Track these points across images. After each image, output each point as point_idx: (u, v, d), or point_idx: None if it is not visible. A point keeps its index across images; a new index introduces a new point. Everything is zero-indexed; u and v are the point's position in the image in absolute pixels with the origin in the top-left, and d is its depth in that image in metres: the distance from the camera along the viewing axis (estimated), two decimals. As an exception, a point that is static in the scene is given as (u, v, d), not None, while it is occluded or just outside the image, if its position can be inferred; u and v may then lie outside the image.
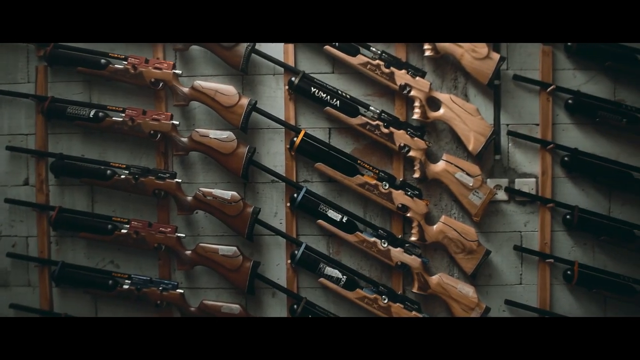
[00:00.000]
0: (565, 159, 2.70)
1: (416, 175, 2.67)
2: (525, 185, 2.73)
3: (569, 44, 2.68)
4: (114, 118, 2.66)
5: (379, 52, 2.65)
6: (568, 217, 2.69)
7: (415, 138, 2.65)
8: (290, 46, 2.72)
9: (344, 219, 2.66)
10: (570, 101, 2.69)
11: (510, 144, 2.75)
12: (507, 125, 2.74)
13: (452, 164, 2.67)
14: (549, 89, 2.69)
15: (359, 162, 2.68)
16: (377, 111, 2.65)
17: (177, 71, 2.68)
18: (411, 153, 2.66)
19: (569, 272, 2.68)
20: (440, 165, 2.68)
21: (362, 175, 2.66)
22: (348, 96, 2.66)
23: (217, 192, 2.65)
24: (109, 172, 2.66)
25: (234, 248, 2.67)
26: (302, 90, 2.66)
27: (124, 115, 2.65)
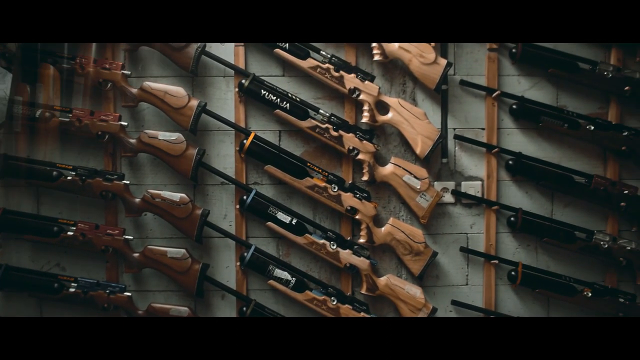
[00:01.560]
0: (510, 162, 2.76)
1: (365, 178, 2.70)
2: (471, 188, 2.78)
3: (513, 50, 2.74)
4: (60, 118, 2.62)
5: (328, 55, 2.67)
6: (512, 219, 2.75)
7: (364, 141, 2.68)
8: (241, 48, 2.72)
9: (294, 221, 2.67)
10: (514, 106, 2.76)
11: (456, 148, 2.80)
12: (454, 129, 2.79)
13: (400, 167, 2.71)
14: (494, 95, 2.75)
15: (308, 164, 2.69)
16: (327, 114, 2.67)
17: (125, 72, 2.65)
18: (360, 156, 2.68)
19: (513, 273, 2.74)
20: (388, 168, 2.71)
21: (312, 177, 2.68)
22: (298, 99, 2.68)
23: (166, 194, 2.63)
24: (55, 173, 2.62)
25: (183, 250, 2.65)
26: (252, 93, 2.66)
27: (71, 115, 2.61)
